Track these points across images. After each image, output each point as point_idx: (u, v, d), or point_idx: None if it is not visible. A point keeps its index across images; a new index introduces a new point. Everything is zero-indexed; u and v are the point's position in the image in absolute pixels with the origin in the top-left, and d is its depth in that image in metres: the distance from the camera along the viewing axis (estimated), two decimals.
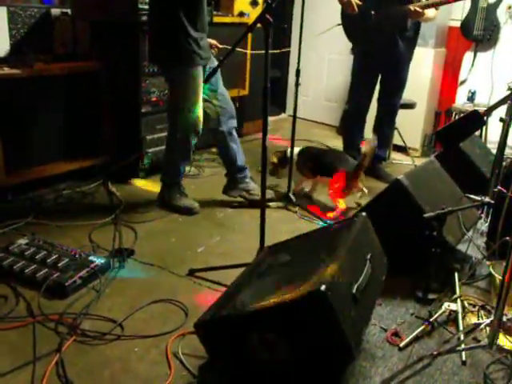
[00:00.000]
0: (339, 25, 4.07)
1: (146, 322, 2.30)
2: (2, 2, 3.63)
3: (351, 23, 4.02)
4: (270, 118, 6.07)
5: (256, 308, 1.80)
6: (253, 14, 4.75)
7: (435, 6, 3.82)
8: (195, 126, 3.31)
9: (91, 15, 3.89)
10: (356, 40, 4.14)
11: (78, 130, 3.82)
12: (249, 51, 4.52)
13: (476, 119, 1.85)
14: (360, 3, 3.79)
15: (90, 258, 2.67)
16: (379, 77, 4.23)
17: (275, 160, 3.87)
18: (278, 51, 4.38)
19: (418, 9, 3.73)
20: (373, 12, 3.85)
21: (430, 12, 3.85)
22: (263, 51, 2.40)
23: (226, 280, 2.47)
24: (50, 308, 2.33)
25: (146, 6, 3.57)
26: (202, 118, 3.33)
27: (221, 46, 3.55)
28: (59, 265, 2.56)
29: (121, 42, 3.76)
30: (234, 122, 3.57)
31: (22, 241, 2.80)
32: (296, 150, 3.72)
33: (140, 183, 3.91)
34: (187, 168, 3.83)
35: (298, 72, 3.50)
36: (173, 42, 3.11)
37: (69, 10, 3.95)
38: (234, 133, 3.59)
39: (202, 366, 2.03)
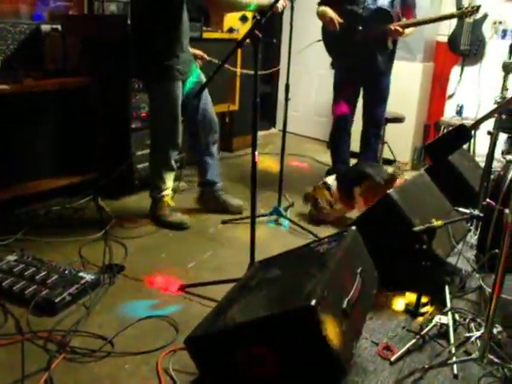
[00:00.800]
0: (319, 41, 4.13)
1: (136, 338, 2.28)
2: None
3: (331, 39, 4.09)
4: (260, 133, 6.09)
5: (246, 323, 1.79)
6: (242, 29, 4.78)
7: (416, 25, 3.88)
8: (174, 139, 3.37)
9: (81, 31, 3.90)
10: (336, 55, 4.19)
11: (68, 146, 3.81)
12: (238, 69, 4.55)
13: (463, 133, 1.87)
14: (341, 21, 3.88)
15: (80, 274, 2.66)
16: (361, 90, 4.27)
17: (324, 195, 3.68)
18: (268, 71, 4.43)
19: (398, 28, 3.80)
20: (360, 28, 3.90)
21: (408, 30, 3.91)
22: (252, 71, 2.43)
23: (217, 295, 2.46)
24: (39, 325, 2.31)
25: None
26: (180, 132, 3.38)
27: (208, 58, 3.59)
28: (48, 281, 2.54)
29: (111, 58, 3.76)
30: (214, 137, 3.64)
31: (11, 257, 2.77)
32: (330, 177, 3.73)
33: (130, 199, 3.90)
34: (178, 183, 3.83)
35: (287, 87, 3.52)
36: (152, 57, 3.20)
37: (59, 26, 3.96)
38: (212, 148, 3.65)
39: (193, 382, 2.02)
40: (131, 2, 3.27)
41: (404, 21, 3.87)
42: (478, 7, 3.67)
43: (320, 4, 4.06)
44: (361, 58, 4.03)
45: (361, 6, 3.92)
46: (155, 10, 3.11)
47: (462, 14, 3.70)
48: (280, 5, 3.03)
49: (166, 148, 3.40)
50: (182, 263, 2.99)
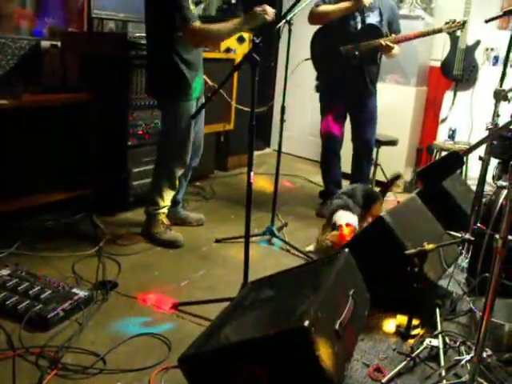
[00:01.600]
0: (308, 59, 4.19)
1: (129, 355, 2.29)
2: None
3: (319, 56, 4.17)
4: (255, 153, 6.10)
5: (240, 343, 1.81)
6: (239, 50, 4.84)
7: (404, 41, 3.95)
8: (183, 157, 3.39)
9: (81, 48, 3.95)
10: (323, 72, 4.25)
11: (65, 161, 3.83)
12: (234, 103, 4.60)
13: (456, 160, 1.90)
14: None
15: (73, 290, 2.66)
16: (347, 114, 4.33)
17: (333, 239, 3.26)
18: (262, 109, 4.52)
19: (388, 43, 3.87)
20: (357, 53, 3.97)
21: (395, 49, 3.98)
22: (248, 109, 2.51)
23: (210, 314, 2.48)
24: (32, 341, 2.30)
25: (136, 41, 3.67)
26: (190, 151, 3.41)
27: (211, 84, 3.63)
28: (42, 296, 2.54)
29: (110, 75, 3.80)
30: (195, 161, 3.73)
31: (5, 271, 2.78)
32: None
33: (125, 215, 3.91)
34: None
35: (283, 109, 3.57)
36: (166, 78, 3.24)
37: (58, 43, 4.01)
38: (189, 171, 3.74)
39: None
40: (146, 21, 3.30)
41: (393, 36, 3.94)
42: (464, 22, 3.78)
43: (321, 3, 4.05)
44: (348, 80, 4.11)
45: (352, 24, 4.00)
46: (166, 30, 3.15)
47: (449, 29, 3.78)
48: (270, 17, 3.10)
49: (172, 165, 3.42)
50: (175, 281, 3.00)
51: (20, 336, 2.32)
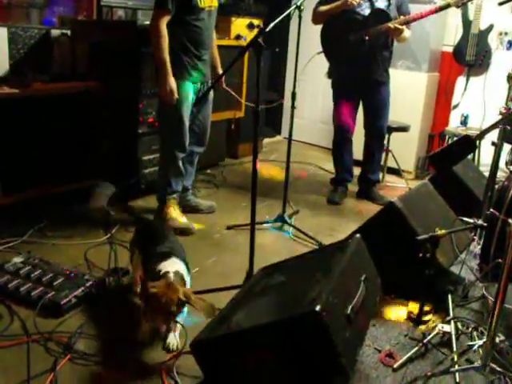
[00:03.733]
0: (320, 52, 4.16)
1: (141, 340, 2.29)
2: (3, 22, 3.68)
3: (331, 47, 4.15)
4: (266, 140, 6.13)
5: (252, 328, 1.81)
6: (250, 36, 4.81)
7: (413, 21, 3.91)
8: (179, 140, 3.41)
9: (90, 36, 3.95)
10: (336, 63, 4.22)
11: (75, 150, 3.84)
12: (243, 101, 4.61)
13: (468, 144, 1.89)
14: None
15: (86, 277, 2.68)
16: (360, 101, 4.30)
17: None
18: (271, 105, 4.51)
19: (397, 25, 3.84)
20: (366, 38, 3.94)
21: (405, 32, 3.95)
22: (253, 104, 2.62)
23: (221, 301, 2.48)
24: (45, 327, 2.33)
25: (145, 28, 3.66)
26: (186, 134, 3.42)
27: (225, 87, 3.58)
28: (54, 283, 2.56)
29: (120, 63, 3.80)
30: (199, 149, 3.72)
31: (18, 259, 2.80)
32: None
33: (136, 203, 3.92)
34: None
35: (293, 95, 3.55)
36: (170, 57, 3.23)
37: (68, 31, 4.01)
38: (195, 158, 3.74)
39: None
40: None
41: (401, 18, 3.91)
42: None
43: (319, 5, 4.09)
44: (361, 68, 4.07)
45: (358, 11, 3.96)
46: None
47: (457, 2, 3.71)
48: None
49: (171, 150, 3.45)
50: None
51: (34, 322, 2.35)
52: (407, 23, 3.90)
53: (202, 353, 1.93)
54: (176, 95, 3.24)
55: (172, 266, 2.23)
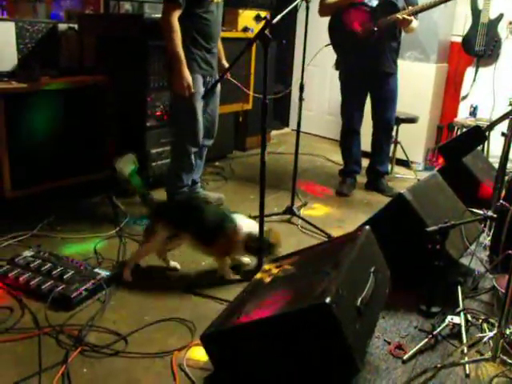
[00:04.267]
0: (328, 45, 4.14)
1: (150, 334, 2.31)
2: (11, 17, 3.69)
3: (339, 40, 4.12)
4: (274, 132, 6.12)
5: (260, 320, 1.81)
6: (257, 28, 4.80)
7: (422, 11, 3.87)
8: (191, 134, 3.41)
9: (97, 30, 3.95)
10: (344, 56, 4.20)
11: (83, 143, 3.85)
12: (251, 92, 4.60)
13: (478, 134, 1.87)
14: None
15: (96, 270, 2.70)
16: (367, 91, 4.28)
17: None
18: (278, 95, 4.52)
19: (405, 16, 3.81)
20: (375, 29, 3.91)
21: (413, 22, 3.93)
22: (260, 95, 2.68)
23: (230, 293, 2.49)
24: (56, 320, 2.34)
25: (152, 21, 3.66)
26: (200, 128, 3.42)
27: (232, 80, 3.52)
28: (65, 277, 2.58)
29: (127, 57, 3.81)
30: (208, 142, 3.72)
31: (28, 253, 2.82)
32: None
33: None
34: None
35: (301, 87, 3.54)
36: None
37: (75, 25, 4.01)
38: (203, 151, 3.74)
39: (207, 377, 2.04)
40: None
41: (410, 8, 3.88)
42: None
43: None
44: (369, 59, 4.05)
45: (366, 3, 3.94)
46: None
47: None
48: None
49: (184, 144, 3.44)
50: (196, 261, 3.01)
51: (45, 315, 2.36)
52: (416, 13, 3.87)
53: (211, 345, 1.94)
54: (192, 89, 3.23)
55: (240, 220, 2.83)
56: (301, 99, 3.56)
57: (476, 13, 4.91)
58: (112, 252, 2.99)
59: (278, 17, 2.58)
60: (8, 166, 3.34)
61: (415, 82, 5.07)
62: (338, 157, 4.90)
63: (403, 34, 4.15)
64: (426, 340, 2.31)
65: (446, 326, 2.39)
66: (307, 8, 3.36)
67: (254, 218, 2.98)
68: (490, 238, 3.21)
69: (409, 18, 3.81)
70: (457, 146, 2.01)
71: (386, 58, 4.09)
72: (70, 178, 3.73)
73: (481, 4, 4.86)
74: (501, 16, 4.83)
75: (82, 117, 3.80)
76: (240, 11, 4.76)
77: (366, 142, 4.50)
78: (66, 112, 3.69)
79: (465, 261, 2.91)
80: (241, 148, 5.36)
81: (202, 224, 2.75)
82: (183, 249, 3.11)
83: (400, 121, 4.62)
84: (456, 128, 4.98)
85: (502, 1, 4.70)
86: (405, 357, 2.22)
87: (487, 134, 2.16)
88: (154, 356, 2.16)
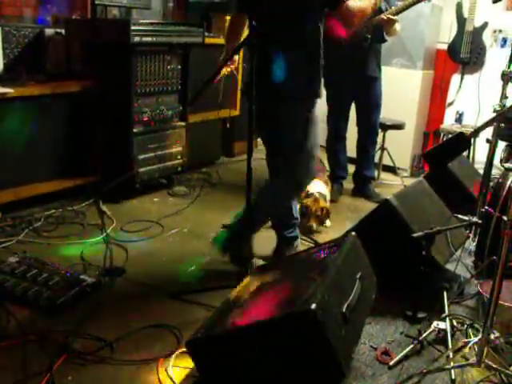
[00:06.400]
0: None
1: (136, 340, 2.30)
2: None
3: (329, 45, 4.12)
4: None
5: (247, 326, 1.81)
6: (244, 34, 4.80)
7: (407, 8, 3.90)
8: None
9: (84, 35, 3.93)
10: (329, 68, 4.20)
11: (70, 149, 3.83)
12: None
13: (462, 141, 1.90)
14: None
15: (81, 276, 2.68)
16: (352, 98, 4.31)
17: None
18: None
19: (390, 16, 3.86)
20: (369, 36, 3.95)
21: (396, 24, 3.96)
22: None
23: (216, 299, 2.48)
24: (41, 327, 2.32)
25: (138, 27, 3.67)
26: None
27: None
28: (50, 283, 2.56)
29: (114, 62, 3.80)
30: None
31: (13, 259, 2.79)
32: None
33: (132, 203, 3.92)
34: (179, 188, 3.86)
35: None
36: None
37: (62, 30, 3.99)
38: None
39: None
40: None
41: (393, 8, 3.92)
42: None
43: None
44: (358, 64, 4.08)
45: None
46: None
47: None
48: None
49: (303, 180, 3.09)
50: (183, 267, 3.00)
51: (29, 322, 2.34)
52: (399, 13, 3.90)
53: (197, 351, 1.93)
54: None
55: (314, 187, 3.62)
56: None
57: (461, 21, 4.97)
58: (98, 258, 2.97)
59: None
60: None
61: (402, 88, 5.11)
62: (324, 162, 4.92)
63: (389, 40, 4.18)
64: (412, 346, 2.32)
65: (432, 331, 2.39)
66: None
67: None
68: (475, 243, 3.23)
69: (394, 17, 3.85)
70: (441, 152, 2.02)
71: (373, 62, 4.13)
72: (56, 183, 3.71)
73: (466, 12, 4.92)
74: (485, 24, 4.89)
75: (68, 122, 3.79)
76: (227, 18, 4.76)
77: (351, 148, 4.52)
78: (53, 117, 3.67)
79: (450, 266, 2.93)
80: (228, 154, 5.36)
81: None
82: (173, 252, 3.11)
83: (387, 127, 4.66)
84: (442, 134, 5.02)
85: (487, 9, 4.75)
86: (391, 362, 2.22)
87: (472, 140, 2.18)
88: (140, 363, 2.15)
